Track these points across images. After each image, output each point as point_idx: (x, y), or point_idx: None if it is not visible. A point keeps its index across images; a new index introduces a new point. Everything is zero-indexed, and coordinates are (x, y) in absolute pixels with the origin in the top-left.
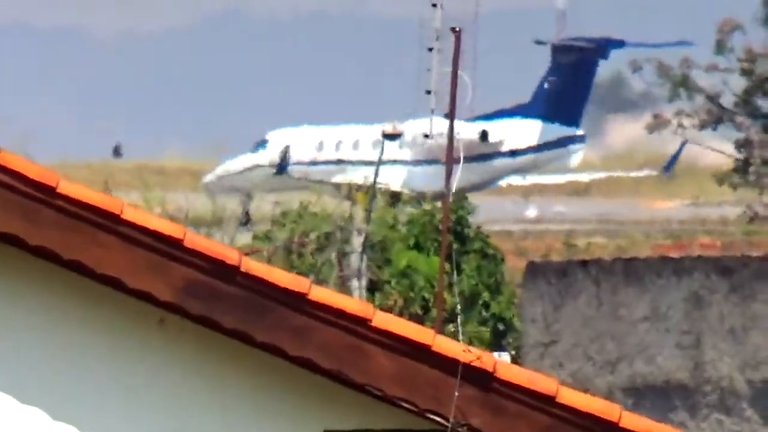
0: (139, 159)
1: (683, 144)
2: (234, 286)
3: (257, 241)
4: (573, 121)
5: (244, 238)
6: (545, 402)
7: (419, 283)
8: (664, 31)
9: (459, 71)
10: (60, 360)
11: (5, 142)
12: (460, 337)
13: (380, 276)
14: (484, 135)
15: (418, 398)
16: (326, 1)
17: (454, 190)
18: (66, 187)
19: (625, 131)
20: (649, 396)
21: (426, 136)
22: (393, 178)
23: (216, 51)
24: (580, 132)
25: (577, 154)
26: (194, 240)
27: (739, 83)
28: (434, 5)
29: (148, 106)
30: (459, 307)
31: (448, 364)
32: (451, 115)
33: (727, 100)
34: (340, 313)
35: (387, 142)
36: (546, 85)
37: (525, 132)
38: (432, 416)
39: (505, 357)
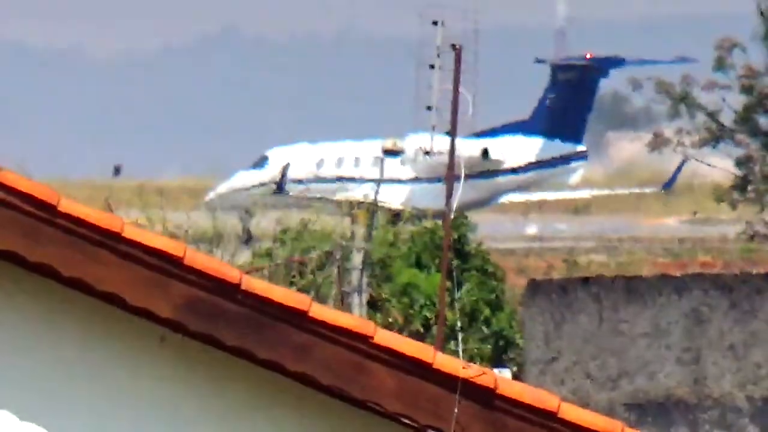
0: (138, 178)
1: (683, 161)
2: (235, 303)
3: (258, 259)
4: (574, 138)
5: (245, 255)
6: (547, 418)
7: (420, 301)
8: (663, 49)
9: (459, 88)
10: (60, 378)
11: (4, 161)
12: (461, 353)
13: (381, 293)
14: (485, 152)
15: (419, 414)
16: (319, 21)
17: (455, 207)
18: (67, 205)
19: (625, 148)
20: (651, 412)
21: (427, 152)
22: (394, 196)
23: (212, 70)
24: (581, 149)
25: (578, 172)
26: (195, 258)
27: (738, 100)
28: (435, 23)
29: (146, 126)
30: (459, 323)
31: (449, 381)
32: (452, 132)
33: (727, 118)
34: (341, 330)
35: (387, 159)
36: (547, 103)
37: (526, 149)
38: None
39: (506, 373)
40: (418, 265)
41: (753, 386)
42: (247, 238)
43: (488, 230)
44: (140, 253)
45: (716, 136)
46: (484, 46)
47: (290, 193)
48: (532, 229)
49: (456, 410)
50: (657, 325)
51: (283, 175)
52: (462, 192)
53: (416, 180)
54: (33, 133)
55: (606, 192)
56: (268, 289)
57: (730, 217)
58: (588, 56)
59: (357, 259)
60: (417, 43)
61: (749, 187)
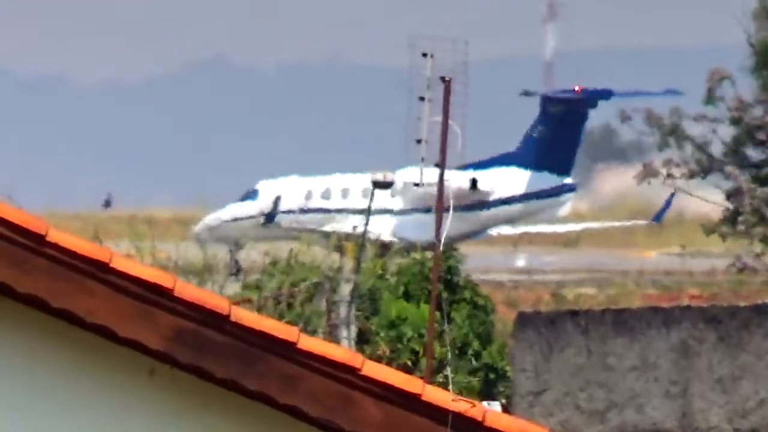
0: (127, 208)
1: (673, 194)
2: (224, 334)
3: (247, 291)
4: (563, 170)
5: (234, 287)
6: None
7: (408, 334)
8: (652, 81)
9: (449, 120)
10: (49, 409)
11: None
12: (451, 385)
13: (369, 326)
14: (473, 183)
15: None
16: (307, 51)
17: (444, 239)
18: (55, 236)
19: (614, 181)
20: None
21: (416, 184)
22: (383, 227)
23: (201, 100)
24: (569, 181)
25: (567, 204)
26: (184, 289)
27: (728, 132)
28: (425, 55)
29: (135, 156)
30: (449, 355)
31: (437, 413)
32: (441, 164)
33: (717, 150)
34: (330, 362)
35: (377, 191)
36: (535, 135)
37: (514, 181)
38: None
39: (495, 406)
40: (407, 296)
41: (741, 419)
42: (236, 270)
43: (477, 263)
44: (129, 284)
45: (706, 169)
46: (474, 78)
47: (280, 225)
48: (520, 262)
49: None
50: (645, 357)
51: (274, 207)
52: (451, 224)
53: (405, 212)
54: (20, 161)
55: (595, 225)
56: (257, 321)
57: (719, 250)
58: (577, 88)
59: (345, 291)
60: (406, 75)
61: (739, 219)
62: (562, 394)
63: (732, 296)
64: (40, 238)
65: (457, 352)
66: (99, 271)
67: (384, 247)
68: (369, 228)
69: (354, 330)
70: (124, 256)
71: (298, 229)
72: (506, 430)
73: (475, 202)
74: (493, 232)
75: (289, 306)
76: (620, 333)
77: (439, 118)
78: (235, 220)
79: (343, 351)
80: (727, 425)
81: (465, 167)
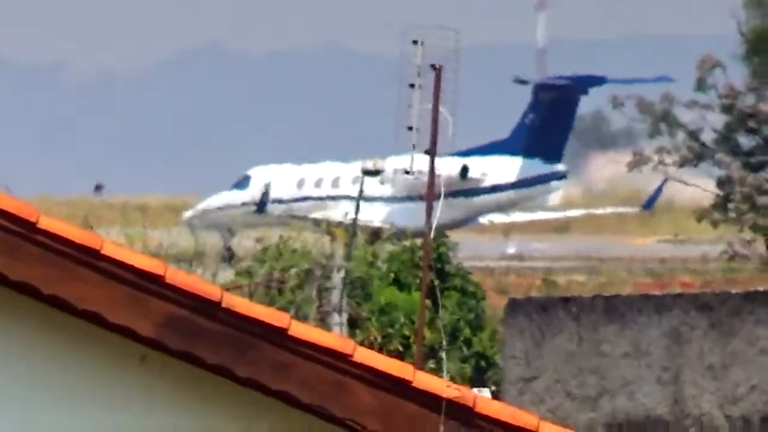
0: (121, 196)
1: (664, 181)
2: (215, 321)
3: (239, 277)
4: (554, 157)
5: (226, 274)
6: None
7: (399, 320)
8: (644, 69)
9: (440, 108)
10: (41, 396)
11: None
12: (445, 372)
13: (360, 312)
14: (464, 171)
15: None
16: (301, 38)
17: (434, 227)
18: (46, 223)
19: (605, 168)
20: (630, 431)
21: (407, 172)
22: (373, 215)
23: (195, 87)
24: (561, 168)
25: (558, 191)
26: (175, 276)
27: (719, 120)
28: (415, 42)
29: (129, 143)
30: (444, 342)
31: (428, 400)
32: (431, 152)
33: (708, 137)
34: (321, 349)
35: (367, 179)
36: (527, 122)
37: (506, 168)
38: None
39: (485, 393)
40: (398, 284)
41: (732, 406)
42: (230, 257)
43: (468, 250)
44: (121, 271)
45: (697, 156)
46: (465, 66)
47: (271, 212)
48: (511, 249)
49: (442, 429)
50: (637, 344)
51: (264, 194)
52: (441, 211)
53: (396, 199)
54: (13, 149)
55: (586, 212)
56: (248, 308)
57: (710, 237)
58: (569, 75)
59: (337, 277)
60: (397, 63)
61: (730, 206)
62: (553, 381)
63: (723, 283)
64: (31, 226)
65: (448, 339)
66: (90, 258)
67: (375, 234)
68: (360, 215)
69: (345, 316)
70: (116, 243)
71: (289, 216)
72: (497, 416)
73: (465, 189)
74: (484, 219)
75: (280, 292)
76: (612, 320)
77: (430, 106)
78: (227, 207)
79: (334, 338)
80: (719, 411)
81: (456, 154)
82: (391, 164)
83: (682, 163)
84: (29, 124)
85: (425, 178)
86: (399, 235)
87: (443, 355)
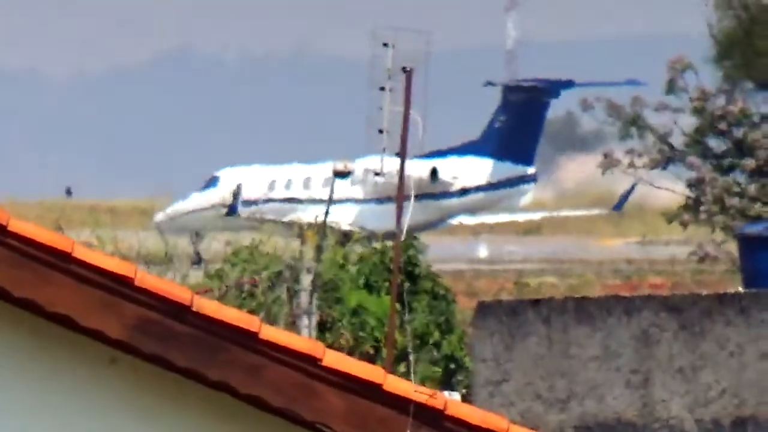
0: (90, 198)
1: (634, 184)
2: (185, 324)
3: (208, 280)
4: (524, 160)
5: (196, 276)
6: None
7: (370, 323)
8: (614, 71)
9: (410, 110)
10: (9, 399)
11: None
12: (413, 375)
13: (331, 315)
14: (434, 173)
15: None
16: (272, 41)
17: (405, 229)
18: (16, 225)
19: (576, 170)
20: None
21: (377, 174)
22: (344, 217)
23: (165, 90)
24: (531, 171)
25: (528, 194)
26: (145, 279)
27: (689, 122)
28: (385, 45)
29: (99, 146)
30: (410, 345)
31: (399, 403)
32: (402, 154)
33: (678, 140)
34: (291, 352)
35: (338, 181)
36: (497, 124)
37: (476, 170)
38: None
39: (455, 396)
40: (368, 286)
41: (702, 408)
42: (198, 260)
43: (438, 252)
44: (91, 274)
45: (667, 158)
46: (436, 68)
47: (241, 215)
48: (482, 251)
49: None
50: (606, 347)
51: (235, 196)
52: (412, 213)
53: (366, 201)
54: None
55: (556, 214)
56: (218, 311)
57: (680, 239)
58: (538, 78)
59: (306, 280)
60: (368, 65)
61: (701, 208)
62: (523, 384)
63: (693, 285)
64: (1, 228)
65: (418, 342)
66: (61, 261)
67: (345, 236)
68: (330, 217)
69: (314, 319)
70: (86, 246)
71: (259, 218)
72: (467, 419)
73: (436, 191)
74: (454, 221)
75: (251, 295)
76: (582, 322)
77: (401, 109)
78: (196, 209)
79: (304, 341)
80: (689, 415)
81: (426, 156)
82: (362, 166)
83: (653, 166)
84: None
85: (395, 180)
86: (369, 237)
87: (412, 358)
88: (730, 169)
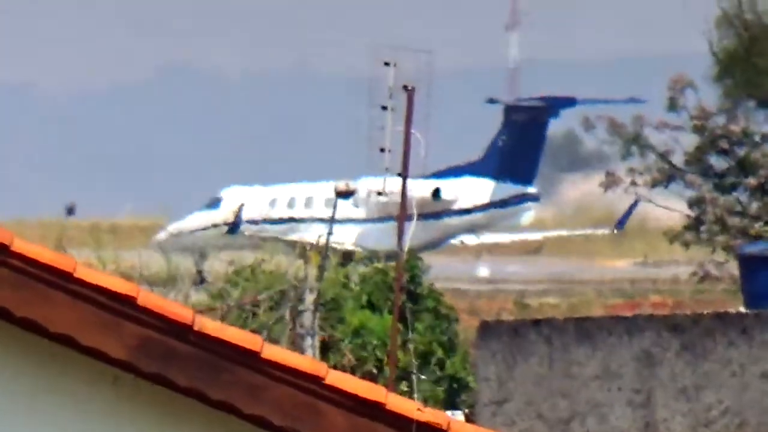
0: (92, 217)
1: (635, 202)
2: (188, 344)
3: (211, 300)
4: (526, 179)
5: (198, 296)
6: None
7: (372, 342)
8: (615, 89)
9: (412, 129)
10: (11, 419)
11: None
12: (416, 394)
13: (333, 335)
14: (436, 193)
15: None
16: (273, 58)
17: (407, 248)
18: (19, 245)
19: (577, 189)
20: None
21: (379, 193)
22: (346, 236)
23: (165, 108)
24: (532, 190)
25: (529, 213)
26: (148, 298)
27: (690, 141)
28: (387, 64)
29: (100, 165)
30: (415, 364)
31: (401, 422)
32: (404, 173)
33: (679, 158)
34: (294, 371)
35: (340, 200)
36: (499, 144)
37: (477, 190)
38: None
39: (458, 416)
40: (370, 306)
41: (704, 428)
42: (201, 279)
43: (440, 272)
44: (93, 294)
45: (668, 177)
46: (437, 87)
47: (243, 234)
48: (483, 271)
49: None
50: (608, 366)
51: (237, 215)
52: (414, 233)
53: (369, 220)
54: None
55: (557, 233)
56: (220, 330)
57: (681, 258)
58: (540, 96)
59: (309, 300)
60: (369, 84)
61: (702, 228)
62: (525, 404)
63: (695, 304)
64: (4, 248)
65: (420, 361)
66: (63, 280)
67: (347, 256)
68: (332, 237)
69: (317, 339)
70: (88, 266)
71: (261, 237)
72: None
73: (438, 211)
74: (456, 241)
75: (254, 315)
76: (583, 342)
77: (402, 127)
78: (199, 228)
79: (307, 360)
80: None
81: (428, 176)
82: (364, 185)
83: (654, 184)
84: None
85: (397, 200)
86: (371, 256)
87: (415, 377)
88: (732, 187)
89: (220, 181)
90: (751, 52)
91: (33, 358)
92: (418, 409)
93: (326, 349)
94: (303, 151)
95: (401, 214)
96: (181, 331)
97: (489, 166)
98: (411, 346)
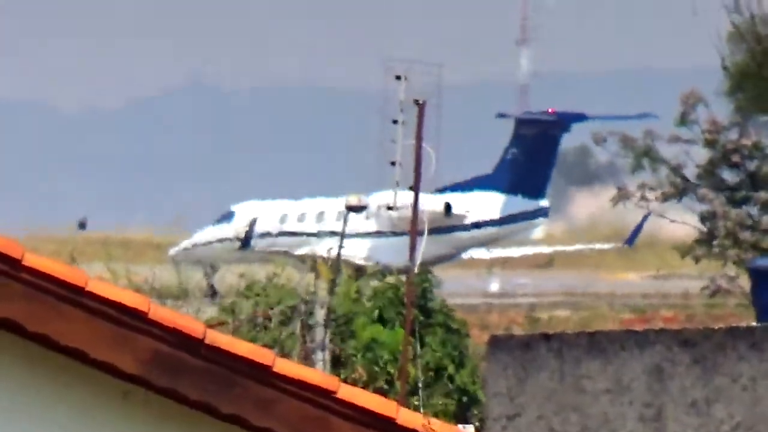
0: (104, 231)
1: (646, 216)
2: (199, 358)
3: (222, 314)
4: (537, 193)
5: (210, 310)
6: None
7: (384, 357)
8: (627, 104)
9: (423, 143)
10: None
11: None
12: (421, 408)
13: (344, 349)
14: (447, 207)
15: None
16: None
17: (418, 263)
18: (31, 260)
19: (588, 204)
20: None
21: (390, 208)
22: (357, 250)
23: (177, 123)
24: (543, 204)
25: (540, 227)
26: (159, 312)
27: (702, 155)
28: (398, 78)
29: (113, 180)
30: (421, 379)
31: None
32: (415, 187)
33: (691, 172)
34: (305, 385)
35: (351, 215)
36: (509, 158)
37: (488, 204)
38: None
39: (469, 429)
40: (381, 320)
41: None
42: (212, 293)
43: (451, 286)
44: (105, 308)
45: (680, 191)
46: (448, 101)
47: (255, 248)
48: (494, 285)
49: None
50: (619, 380)
51: (249, 230)
52: (425, 247)
53: (380, 234)
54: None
55: (568, 247)
56: (232, 344)
57: (693, 273)
58: (551, 111)
59: (320, 314)
60: (381, 98)
61: (714, 242)
62: (536, 418)
63: (706, 318)
64: (15, 262)
65: (432, 375)
66: (74, 294)
67: (358, 271)
68: (343, 251)
69: (328, 353)
70: (100, 280)
71: (273, 252)
72: None
73: (449, 225)
74: (466, 255)
75: (265, 329)
76: (594, 356)
77: (413, 141)
78: (211, 242)
79: (319, 374)
80: None
81: (439, 190)
82: (375, 200)
83: (665, 199)
84: (11, 161)
85: (409, 214)
86: (383, 271)
87: (422, 392)
88: (743, 201)
89: (232, 196)
90: (763, 66)
91: (44, 373)
92: (423, 425)
93: (337, 364)
94: (314, 165)
95: (413, 228)
96: (193, 345)
97: (500, 179)
98: (419, 361)
